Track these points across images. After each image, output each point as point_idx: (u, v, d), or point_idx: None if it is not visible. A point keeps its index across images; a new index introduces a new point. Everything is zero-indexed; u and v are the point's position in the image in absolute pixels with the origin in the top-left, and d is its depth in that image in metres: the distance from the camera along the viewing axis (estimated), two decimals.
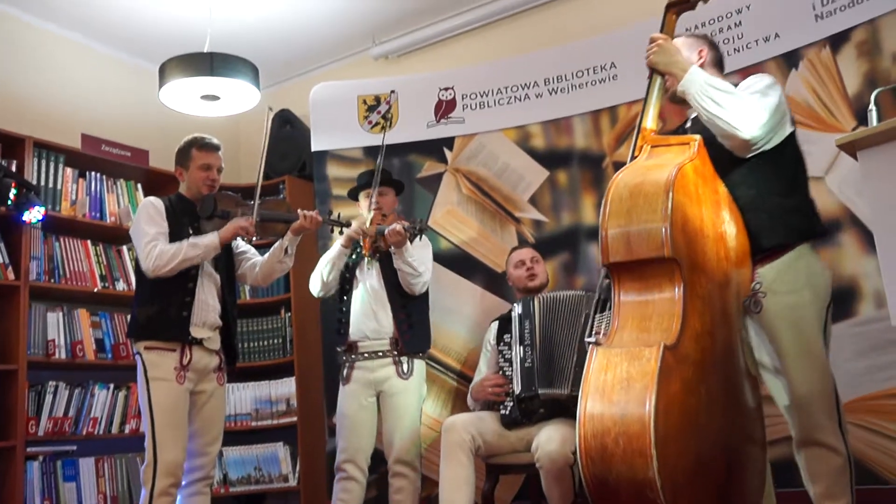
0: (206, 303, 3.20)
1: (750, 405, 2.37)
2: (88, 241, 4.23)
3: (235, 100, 4.12)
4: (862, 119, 3.28)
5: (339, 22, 4.87)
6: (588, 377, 2.09)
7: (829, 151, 3.35)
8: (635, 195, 2.21)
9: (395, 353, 3.57)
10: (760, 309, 2.38)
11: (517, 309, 3.51)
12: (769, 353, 2.43)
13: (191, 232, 3.22)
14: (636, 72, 3.97)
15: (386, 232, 3.46)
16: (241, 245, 3.47)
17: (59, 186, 4.13)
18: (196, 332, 3.15)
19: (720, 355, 2.23)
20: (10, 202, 3.76)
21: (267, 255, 3.41)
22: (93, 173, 4.33)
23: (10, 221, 3.83)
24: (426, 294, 3.72)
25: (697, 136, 2.38)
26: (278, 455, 4.48)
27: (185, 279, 3.15)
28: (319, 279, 3.70)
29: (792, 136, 2.49)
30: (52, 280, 4.00)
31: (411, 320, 3.62)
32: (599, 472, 2.01)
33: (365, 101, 4.58)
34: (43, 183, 4.05)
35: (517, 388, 3.36)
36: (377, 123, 4.51)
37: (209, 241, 3.14)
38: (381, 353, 3.58)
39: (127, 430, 4.13)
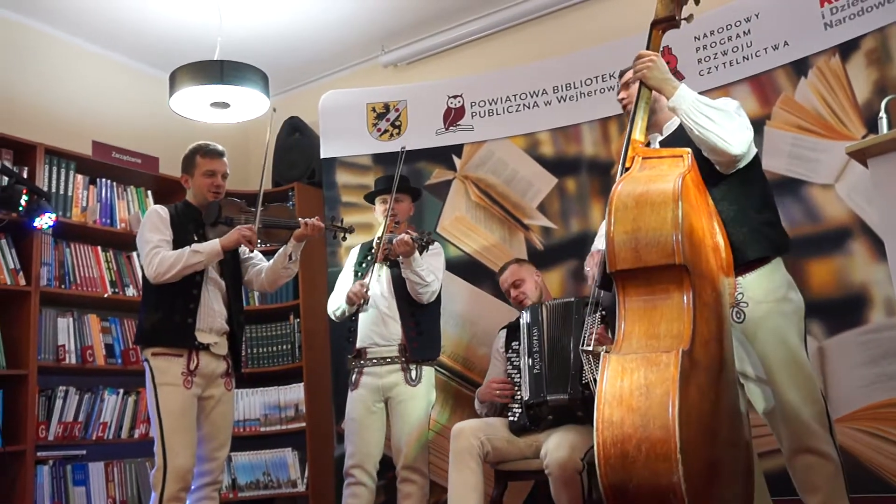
0: (212, 308, 3.22)
1: (740, 413, 2.42)
2: (99, 248, 4.25)
3: (245, 107, 4.14)
4: (872, 127, 3.28)
5: (348, 30, 4.89)
6: (603, 384, 2.09)
7: (839, 159, 3.36)
8: (641, 204, 2.22)
9: (404, 360, 3.58)
10: (743, 318, 2.46)
11: (525, 317, 3.52)
12: (752, 363, 2.49)
13: (195, 239, 3.25)
14: None
15: (394, 242, 3.47)
16: (247, 251, 3.49)
17: (69, 193, 4.16)
18: (203, 337, 3.17)
19: (721, 361, 2.27)
20: (21, 208, 3.78)
21: (272, 261, 3.43)
22: (103, 180, 4.36)
23: (21, 227, 3.85)
24: (437, 302, 3.72)
25: (688, 150, 2.42)
26: (287, 460, 4.49)
27: (189, 286, 3.17)
28: (333, 316, 3.77)
29: (757, 155, 2.60)
30: (63, 286, 4.03)
31: (420, 328, 3.62)
32: (619, 480, 1.99)
33: (374, 109, 4.60)
34: (54, 189, 4.08)
35: (525, 394, 3.36)
36: (386, 131, 4.52)
37: (211, 247, 3.16)
38: (389, 360, 3.59)
39: (136, 435, 4.15)
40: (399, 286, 3.61)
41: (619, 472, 1.98)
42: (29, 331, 3.79)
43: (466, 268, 4.29)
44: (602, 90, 4.19)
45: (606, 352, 2.17)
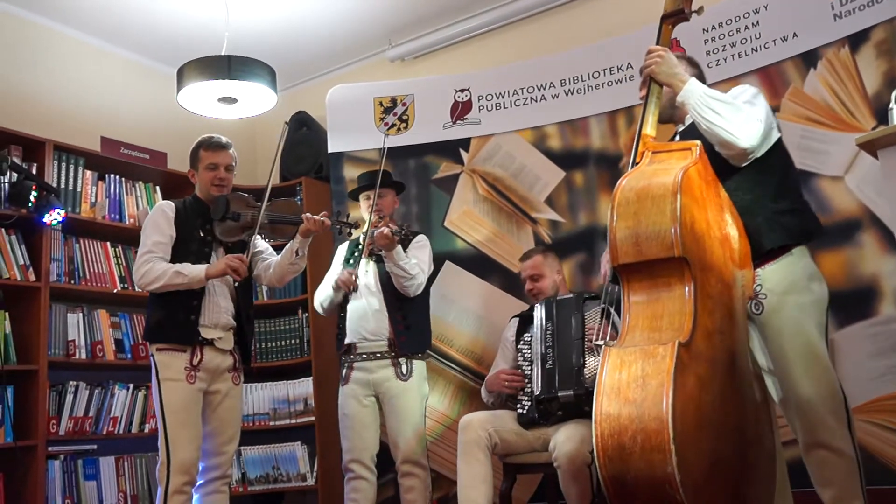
0: (218, 304, 3.23)
1: (757, 405, 2.39)
2: (108, 243, 4.27)
3: (253, 102, 4.14)
4: (882, 118, 3.27)
5: (355, 24, 4.89)
6: (602, 377, 2.10)
7: (849, 151, 3.34)
8: (642, 198, 2.23)
9: (393, 354, 3.58)
10: (762, 310, 2.43)
11: (540, 311, 3.51)
12: (770, 355, 2.46)
13: (201, 235, 3.26)
14: None
15: (374, 235, 3.48)
16: (258, 244, 3.49)
17: (78, 189, 4.18)
18: (207, 332, 3.18)
19: (731, 353, 2.25)
20: (30, 204, 3.81)
21: (279, 256, 3.43)
22: (112, 176, 4.37)
23: (30, 223, 3.87)
24: (425, 294, 3.72)
25: (698, 142, 2.42)
26: (296, 454, 4.50)
27: None
28: (320, 307, 3.78)
29: (779, 141, 2.55)
30: (73, 281, 4.04)
31: (408, 321, 3.62)
32: (617, 471, 2.01)
33: (381, 103, 4.60)
34: (63, 185, 4.10)
35: (536, 389, 3.36)
36: (393, 125, 4.52)
37: (195, 274, 3.15)
38: (378, 355, 3.60)
39: (146, 430, 4.17)
40: (386, 281, 3.61)
41: (617, 463, 2.00)
42: (39, 326, 3.81)
43: (474, 261, 4.29)
44: (610, 83, 4.17)
45: (607, 345, 2.19)
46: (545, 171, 4.27)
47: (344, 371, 3.66)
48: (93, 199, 4.25)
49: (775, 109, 3.64)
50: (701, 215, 2.25)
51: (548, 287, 3.64)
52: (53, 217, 3.82)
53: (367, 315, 3.61)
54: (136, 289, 4.25)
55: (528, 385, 3.43)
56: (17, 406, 3.74)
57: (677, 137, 2.71)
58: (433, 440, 4.04)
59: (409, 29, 4.96)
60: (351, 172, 4.50)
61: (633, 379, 2.04)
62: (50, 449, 3.79)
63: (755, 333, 2.47)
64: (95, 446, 4.05)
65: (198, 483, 3.19)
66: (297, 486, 4.51)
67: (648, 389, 2.00)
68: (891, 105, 2.31)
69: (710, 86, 2.57)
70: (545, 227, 4.23)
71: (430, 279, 3.79)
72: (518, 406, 3.45)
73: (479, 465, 3.28)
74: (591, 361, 3.27)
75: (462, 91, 4.49)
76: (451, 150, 4.44)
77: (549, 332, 3.43)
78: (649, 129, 2.50)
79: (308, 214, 3.35)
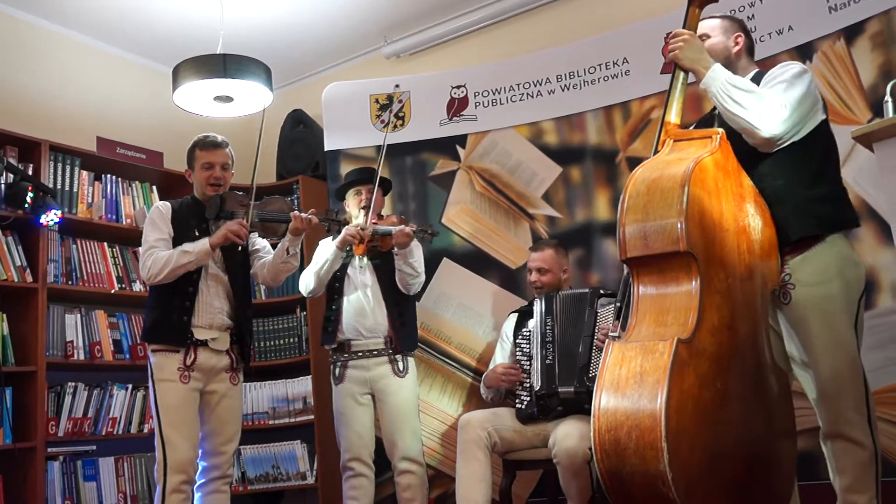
0: (211, 305, 3.22)
1: (776, 399, 2.35)
2: (105, 244, 4.26)
3: (248, 101, 4.13)
4: (877, 111, 3.26)
5: (350, 21, 4.88)
6: (603, 371, 2.10)
7: (845, 143, 3.32)
8: (652, 190, 2.21)
9: (391, 351, 3.59)
10: (790, 300, 2.38)
11: (540, 305, 3.51)
12: (798, 346, 2.42)
13: (197, 234, 3.25)
14: (648, 67, 3.98)
15: (394, 232, 3.46)
16: (256, 243, 3.48)
17: (75, 189, 4.17)
18: (200, 333, 3.18)
19: (741, 349, 2.22)
20: (27, 205, 3.80)
21: (272, 255, 3.43)
22: (108, 176, 4.36)
23: (27, 224, 3.86)
24: (415, 294, 3.75)
25: (720, 130, 2.38)
26: (296, 453, 4.50)
27: (186, 283, 3.18)
28: (314, 278, 3.64)
29: (823, 123, 2.48)
30: (70, 282, 4.04)
31: (404, 318, 3.64)
32: (614, 466, 2.02)
33: (377, 100, 4.59)
34: (59, 186, 4.09)
35: (536, 384, 3.36)
36: (389, 122, 4.52)
37: (201, 247, 3.16)
38: (375, 352, 3.60)
39: (145, 430, 4.16)
40: (384, 277, 3.62)
41: (614, 458, 2.00)
42: (37, 327, 3.80)
43: (471, 258, 4.29)
44: (606, 78, 4.17)
45: (611, 339, 2.18)
46: (542, 167, 4.26)
47: (338, 370, 3.65)
48: (89, 200, 4.24)
49: None
50: (713, 207, 2.22)
51: (551, 282, 3.63)
52: (50, 218, 3.81)
53: (364, 311, 3.61)
54: (135, 289, 4.27)
55: (527, 380, 3.43)
56: (15, 408, 3.73)
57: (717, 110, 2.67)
58: (430, 437, 4.04)
59: (405, 25, 4.95)
60: (348, 170, 4.49)
61: (632, 375, 2.04)
62: (49, 450, 3.78)
63: (784, 324, 2.43)
64: (94, 447, 4.04)
65: (198, 483, 3.20)
66: (297, 484, 4.50)
67: (645, 386, 1.99)
68: (886, 98, 2.30)
69: None
70: (542, 223, 4.22)
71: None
72: (516, 401, 3.45)
73: (478, 464, 3.28)
74: (598, 359, 3.26)
75: (458, 87, 4.48)
76: (448, 146, 4.44)
77: (548, 327, 3.43)
78: (673, 116, 2.45)
79: (295, 212, 3.34)
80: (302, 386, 4.56)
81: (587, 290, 3.49)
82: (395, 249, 3.52)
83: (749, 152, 2.41)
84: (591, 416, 2.07)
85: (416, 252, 3.64)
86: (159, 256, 3.13)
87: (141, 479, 4.15)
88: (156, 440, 3.10)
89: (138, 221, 4.34)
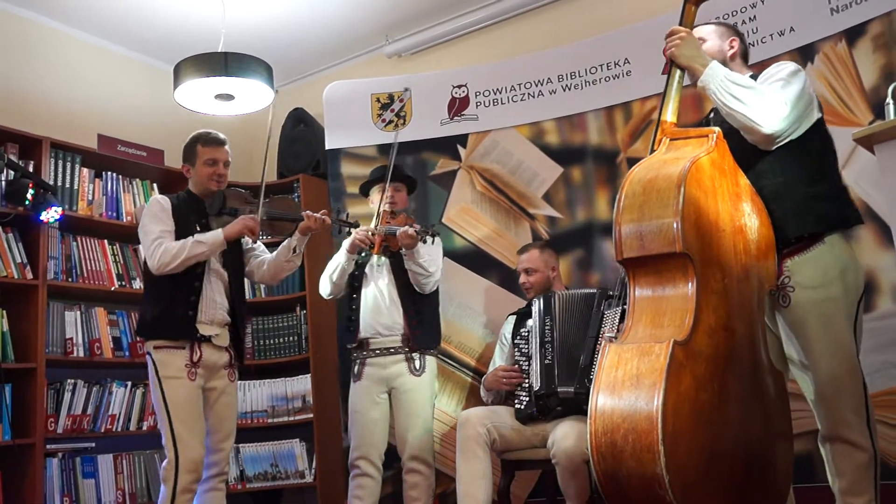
0: (214, 300, 3.21)
1: (773, 401, 2.34)
2: (105, 241, 4.27)
3: (250, 99, 4.14)
4: (879, 113, 3.26)
5: (352, 20, 4.88)
6: (600, 373, 2.09)
7: (846, 145, 3.32)
8: (648, 190, 2.20)
9: (407, 349, 3.59)
10: (789, 303, 2.37)
11: (538, 305, 3.50)
12: (797, 348, 2.41)
13: (198, 229, 3.23)
14: (649, 67, 3.97)
15: (397, 234, 3.47)
16: (250, 241, 3.48)
17: (75, 186, 4.17)
18: (204, 329, 3.16)
19: (738, 351, 2.21)
20: (27, 202, 3.80)
21: (275, 253, 3.42)
22: (109, 173, 4.37)
23: (27, 221, 3.86)
24: (436, 291, 3.73)
25: (716, 129, 2.37)
26: (295, 452, 4.50)
27: (191, 277, 3.16)
28: (329, 282, 3.72)
29: (819, 122, 2.47)
30: (70, 279, 4.04)
31: (421, 316, 3.63)
32: (610, 468, 2.01)
33: (378, 99, 4.59)
34: (60, 183, 4.09)
35: (536, 384, 3.36)
36: (391, 121, 4.51)
37: (214, 237, 3.14)
38: (392, 350, 3.60)
39: (145, 427, 4.17)
40: (400, 276, 3.62)
41: (610, 460, 2.00)
42: (37, 324, 3.81)
43: (472, 258, 4.29)
44: (607, 78, 4.17)
45: (609, 340, 2.17)
46: (543, 167, 4.26)
47: (356, 367, 3.65)
48: (90, 197, 4.24)
49: None
50: (710, 207, 2.21)
51: (539, 282, 3.64)
52: (50, 215, 3.81)
53: (380, 309, 3.62)
54: (135, 286, 4.27)
55: (526, 380, 3.43)
56: (15, 404, 3.73)
57: (711, 114, 2.65)
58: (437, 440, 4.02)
59: (407, 24, 4.95)
60: (348, 169, 4.50)
61: (629, 377, 2.03)
62: (48, 447, 3.78)
63: (782, 326, 2.42)
64: (94, 444, 4.04)
65: None
66: (296, 483, 4.50)
67: (641, 388, 1.99)
68: (888, 100, 2.30)
69: None
70: (543, 224, 4.22)
71: None
72: (516, 402, 3.44)
73: (478, 461, 3.28)
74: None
75: (459, 87, 4.48)
76: (449, 146, 4.43)
77: (547, 327, 3.42)
78: (669, 115, 2.44)
79: (309, 212, 3.34)
80: (301, 384, 4.56)
81: (594, 291, 3.47)
82: (403, 250, 3.53)
83: (746, 150, 2.40)
84: (588, 419, 2.07)
85: (425, 252, 3.62)
86: (170, 246, 3.09)
87: (140, 477, 4.15)
88: (164, 440, 3.05)
89: (139, 219, 4.33)
